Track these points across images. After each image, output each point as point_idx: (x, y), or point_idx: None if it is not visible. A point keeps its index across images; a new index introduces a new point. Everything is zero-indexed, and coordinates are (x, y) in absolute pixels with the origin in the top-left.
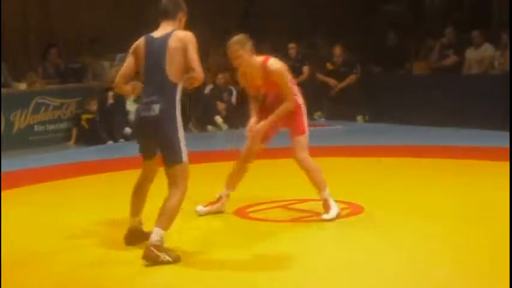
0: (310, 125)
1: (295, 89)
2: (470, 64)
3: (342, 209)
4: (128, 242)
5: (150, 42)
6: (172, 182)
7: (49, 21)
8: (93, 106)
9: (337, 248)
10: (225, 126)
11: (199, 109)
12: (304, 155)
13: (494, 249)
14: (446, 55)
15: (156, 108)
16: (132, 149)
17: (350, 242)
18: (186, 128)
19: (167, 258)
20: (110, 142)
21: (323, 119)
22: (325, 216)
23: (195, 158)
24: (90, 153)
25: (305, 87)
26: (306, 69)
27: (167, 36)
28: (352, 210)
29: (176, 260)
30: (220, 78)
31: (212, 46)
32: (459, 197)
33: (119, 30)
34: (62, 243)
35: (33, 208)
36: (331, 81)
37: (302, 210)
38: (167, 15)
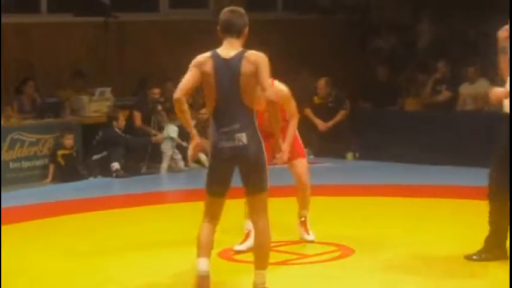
0: None
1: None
2: (464, 100)
3: (332, 251)
4: None
5: (219, 64)
6: (257, 212)
7: (28, 54)
8: (69, 141)
9: None
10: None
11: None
12: (308, 177)
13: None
14: (439, 91)
15: (243, 137)
16: (111, 186)
17: (339, 286)
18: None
19: None
20: (91, 178)
21: (311, 156)
22: (308, 237)
23: (178, 196)
24: (68, 191)
25: None
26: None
27: (239, 58)
28: (342, 252)
29: None
30: (203, 113)
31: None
32: (451, 238)
33: (98, 65)
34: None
35: (8, 249)
36: (319, 123)
37: (288, 253)
38: (231, 29)
